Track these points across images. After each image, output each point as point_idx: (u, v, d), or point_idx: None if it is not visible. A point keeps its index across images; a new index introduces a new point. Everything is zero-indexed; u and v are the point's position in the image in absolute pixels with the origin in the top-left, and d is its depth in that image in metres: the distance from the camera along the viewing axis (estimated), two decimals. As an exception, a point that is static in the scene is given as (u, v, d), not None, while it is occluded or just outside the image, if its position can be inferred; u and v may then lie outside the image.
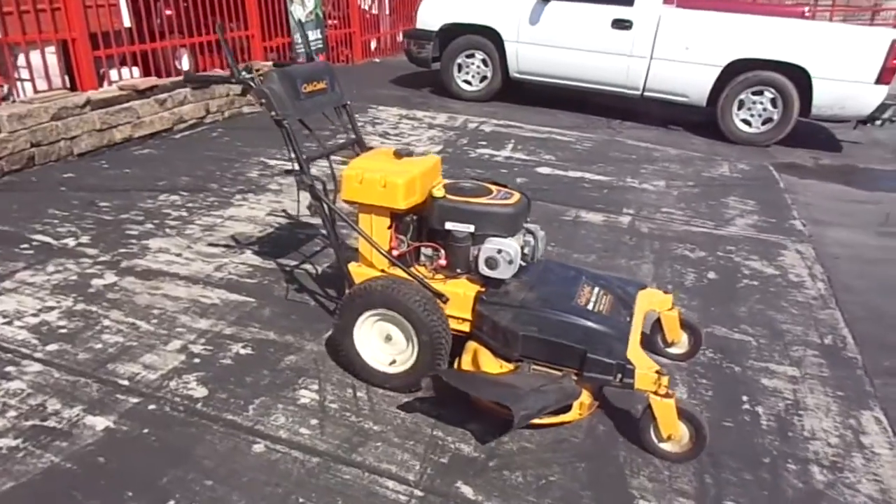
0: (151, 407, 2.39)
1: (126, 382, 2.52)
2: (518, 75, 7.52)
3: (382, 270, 2.58)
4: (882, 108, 6.28)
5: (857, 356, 3.00)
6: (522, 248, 2.52)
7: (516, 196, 2.55)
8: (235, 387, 2.52)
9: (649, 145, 6.43)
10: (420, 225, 2.60)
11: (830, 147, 6.99)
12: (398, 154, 2.63)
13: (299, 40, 8.24)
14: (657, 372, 2.24)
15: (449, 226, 2.48)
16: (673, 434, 2.23)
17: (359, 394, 2.53)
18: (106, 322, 2.90)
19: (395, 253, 2.57)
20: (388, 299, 2.40)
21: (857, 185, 5.75)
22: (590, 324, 2.34)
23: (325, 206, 2.62)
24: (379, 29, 10.65)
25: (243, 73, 2.54)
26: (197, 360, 2.67)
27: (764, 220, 4.65)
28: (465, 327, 2.51)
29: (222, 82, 2.57)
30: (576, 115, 7.42)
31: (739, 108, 6.71)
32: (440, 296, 2.45)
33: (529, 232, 2.57)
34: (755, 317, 3.28)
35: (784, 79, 6.44)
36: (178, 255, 3.57)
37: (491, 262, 2.43)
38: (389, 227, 2.57)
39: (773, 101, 6.56)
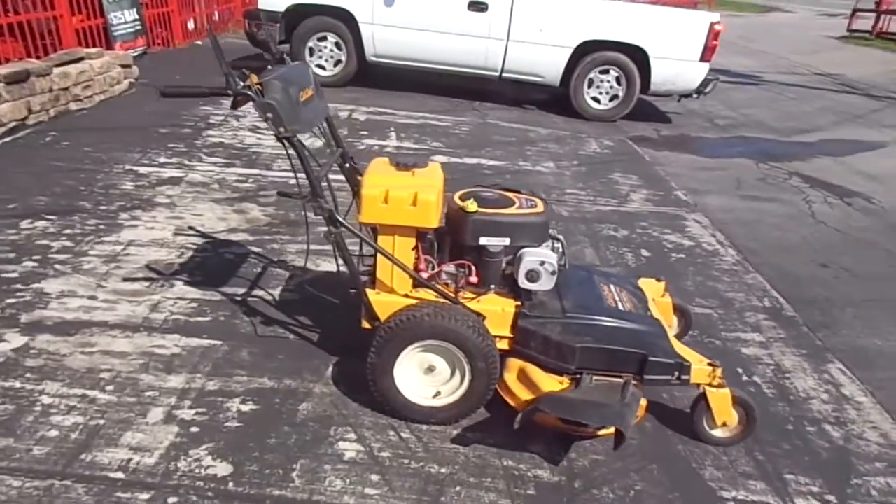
0: (173, 500, 1.94)
1: (120, 475, 2.01)
2: (375, 59, 7.26)
3: (406, 295, 2.35)
4: (705, 82, 7.11)
5: (794, 314, 3.40)
6: (555, 256, 2.45)
7: (539, 202, 2.46)
8: (261, 453, 2.14)
9: (520, 126, 6.62)
10: (443, 242, 2.40)
11: (662, 119, 7.77)
12: (402, 165, 2.38)
13: (115, 21, 7.13)
14: (710, 364, 2.33)
15: (483, 241, 2.32)
16: (727, 421, 2.34)
17: (403, 434, 2.29)
18: (45, 399, 2.29)
19: (424, 275, 2.34)
20: (437, 329, 2.19)
21: (700, 153, 6.48)
22: (638, 326, 2.36)
23: (340, 231, 2.29)
24: (195, 8, 9.58)
25: (239, 82, 2.10)
26: (196, 430, 2.22)
27: (653, 193, 5.05)
28: (504, 345, 2.38)
29: (213, 94, 2.10)
30: (439, 99, 7.38)
31: (589, 86, 7.16)
32: (480, 316, 2.29)
33: (555, 238, 2.50)
34: (701, 289, 3.56)
35: (626, 58, 6.99)
36: (92, 297, 2.93)
37: (532, 275, 2.32)
38: (414, 248, 2.33)
39: (618, 80, 7.10)
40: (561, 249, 2.47)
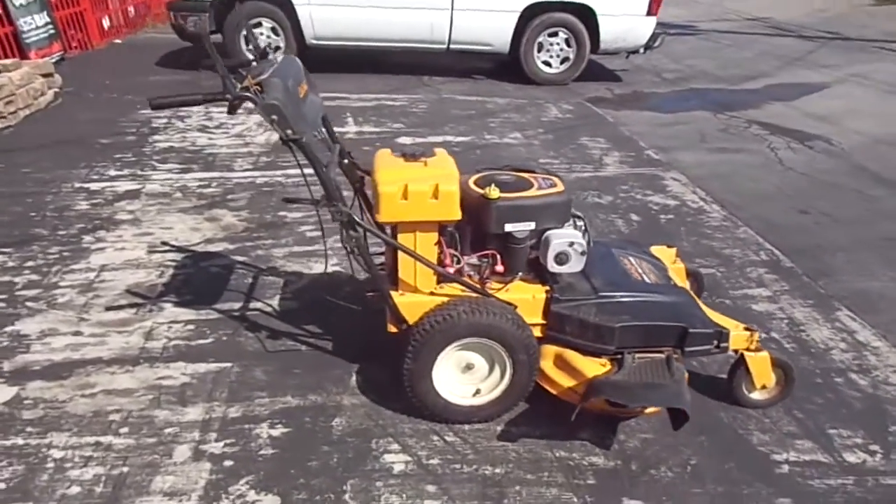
0: (225, 546, 1.80)
1: (160, 526, 1.85)
2: (316, 42, 6.96)
3: (432, 293, 2.23)
4: (653, 36, 7.13)
5: (792, 265, 3.45)
6: (580, 235, 2.36)
7: (557, 180, 2.37)
8: (306, 479, 2.01)
9: (476, 98, 6.49)
10: (463, 233, 2.28)
11: (612, 78, 7.78)
12: (409, 156, 2.24)
13: (25, 27, 6.59)
14: (746, 329, 2.31)
15: (508, 227, 2.21)
16: (767, 383, 2.34)
17: (447, 438, 2.20)
18: (56, 453, 2.08)
19: (450, 270, 2.22)
20: (476, 326, 2.09)
21: (658, 109, 6.51)
22: (671, 298, 2.32)
23: (362, 235, 2.14)
24: (108, 5, 8.96)
25: (236, 83, 1.90)
26: (230, 463, 2.06)
27: (625, 155, 5.04)
28: (537, 332, 2.29)
29: (209, 101, 1.89)
30: (387, 78, 7.16)
31: (539, 50, 7.08)
32: (512, 306, 2.20)
33: (576, 216, 2.41)
34: (698, 248, 3.56)
35: (574, 18, 6.93)
36: (77, 333, 2.69)
37: (562, 258, 2.23)
38: (436, 243, 2.21)
39: (568, 41, 7.04)
40: (584, 227, 2.39)
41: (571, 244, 2.22)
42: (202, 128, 5.33)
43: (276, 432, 2.19)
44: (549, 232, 2.25)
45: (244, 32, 6.82)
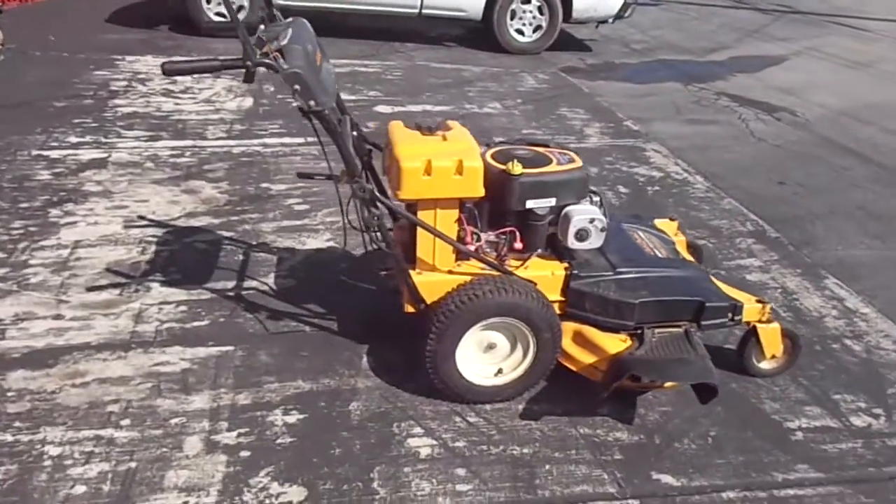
0: (253, 541, 1.72)
1: (181, 523, 1.75)
2: (283, 2, 6.63)
3: (450, 272, 2.16)
4: (625, 6, 7.10)
5: (777, 235, 3.51)
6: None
7: (574, 155, 2.31)
8: (330, 467, 1.93)
9: (451, 66, 6.34)
10: (481, 209, 2.20)
11: (583, 48, 7.73)
12: (426, 129, 2.15)
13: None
14: (759, 301, 2.34)
15: (530, 204, 2.15)
16: (776, 353, 2.38)
17: (469, 419, 2.15)
18: (52, 450, 1.93)
19: (471, 248, 2.15)
20: (503, 305, 2.03)
21: (631, 80, 6.51)
22: (685, 273, 2.33)
23: (382, 213, 2.04)
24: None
25: (256, 50, 1.75)
26: (247, 454, 1.96)
27: (605, 126, 5.02)
28: (556, 309, 2.26)
29: (227, 67, 1.73)
30: (359, 43, 6.91)
31: (512, 18, 6.95)
32: (533, 283, 2.15)
33: (593, 192, 2.37)
34: (688, 220, 3.58)
35: (546, -14, 6.82)
36: (58, 316, 2.51)
37: (583, 234, 2.19)
38: (457, 220, 2.13)
39: (540, 9, 6.94)
40: (600, 202, 2.35)
41: (592, 220, 2.19)
42: (167, 92, 5.03)
43: (291, 419, 2.10)
44: (568, 208, 2.21)
45: (202, -10, 6.46)
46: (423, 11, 6.84)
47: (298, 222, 3.29)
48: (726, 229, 3.54)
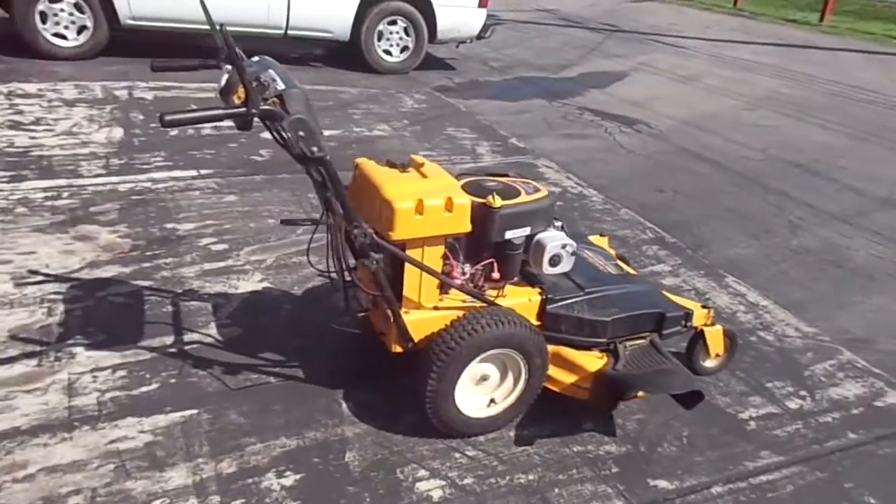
0: None
1: None
2: (133, 22, 6.11)
3: (435, 307, 2.15)
4: (485, 27, 7.42)
5: (674, 240, 3.88)
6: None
7: (536, 184, 2.40)
8: (346, 527, 1.84)
9: (326, 88, 6.22)
10: (460, 242, 2.20)
11: (446, 67, 7.94)
12: (400, 166, 2.14)
13: None
14: (703, 307, 2.57)
15: (508, 234, 2.20)
16: (719, 352, 2.63)
17: (468, 453, 2.14)
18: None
19: (457, 282, 2.15)
20: (501, 337, 2.05)
21: (501, 97, 6.79)
22: (641, 287, 2.51)
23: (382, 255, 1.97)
24: None
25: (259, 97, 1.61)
26: (252, 528, 1.80)
27: (493, 144, 5.21)
28: (535, 333, 2.32)
29: (231, 116, 1.56)
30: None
31: (379, 39, 6.98)
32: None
33: (555, 217, 2.46)
34: (597, 231, 3.84)
35: (412, 7, 6.94)
36: (-31, 401, 2.13)
37: (555, 259, 2.30)
38: (443, 256, 2.12)
39: (406, 30, 7.04)
40: (562, 227, 2.46)
41: (564, 246, 2.29)
42: (14, 124, 4.42)
43: (287, 481, 1.96)
44: (539, 236, 2.29)
45: (41, 7, 5.76)
46: (290, 32, 6.65)
47: (222, 264, 3.06)
48: (631, 238, 3.84)
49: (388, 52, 7.08)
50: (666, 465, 2.19)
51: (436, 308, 2.14)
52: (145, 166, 4.01)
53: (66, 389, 2.21)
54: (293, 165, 2.00)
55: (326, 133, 4.95)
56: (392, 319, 2.07)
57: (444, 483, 2.02)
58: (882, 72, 9.46)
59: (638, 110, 6.69)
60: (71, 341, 2.44)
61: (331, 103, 5.76)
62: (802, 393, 2.64)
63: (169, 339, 2.51)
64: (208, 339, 2.54)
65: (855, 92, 8.11)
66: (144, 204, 3.55)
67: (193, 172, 3.98)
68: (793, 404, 2.56)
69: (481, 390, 2.20)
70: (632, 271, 2.70)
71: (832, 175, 5.22)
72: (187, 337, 2.54)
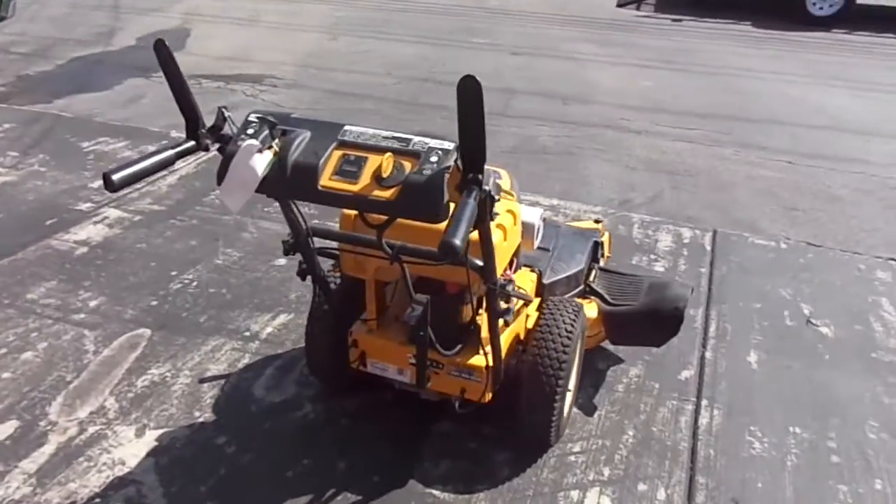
0: None
1: None
2: None
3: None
4: (5, 6, 5.68)
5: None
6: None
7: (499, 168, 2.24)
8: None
9: None
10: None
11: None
12: None
13: None
14: (596, 221, 2.87)
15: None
16: (609, 253, 2.98)
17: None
18: None
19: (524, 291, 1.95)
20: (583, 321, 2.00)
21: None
22: (568, 227, 2.68)
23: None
24: None
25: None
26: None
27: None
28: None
29: None
30: None
31: None
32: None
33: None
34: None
35: None
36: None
37: (539, 233, 2.24)
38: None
39: None
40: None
41: (543, 219, 2.26)
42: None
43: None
44: (522, 217, 2.19)
45: None
46: None
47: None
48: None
49: None
50: (644, 461, 2.13)
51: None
52: None
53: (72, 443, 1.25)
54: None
55: None
56: (487, 365, 1.81)
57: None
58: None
59: (247, 66, 6.22)
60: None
61: None
62: (647, 357, 2.60)
63: (156, 370, 1.59)
64: (192, 373, 1.69)
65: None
66: None
67: None
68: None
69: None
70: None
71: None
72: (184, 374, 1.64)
